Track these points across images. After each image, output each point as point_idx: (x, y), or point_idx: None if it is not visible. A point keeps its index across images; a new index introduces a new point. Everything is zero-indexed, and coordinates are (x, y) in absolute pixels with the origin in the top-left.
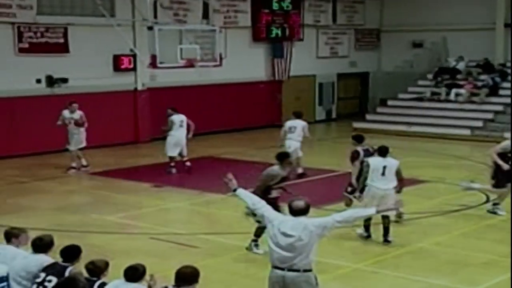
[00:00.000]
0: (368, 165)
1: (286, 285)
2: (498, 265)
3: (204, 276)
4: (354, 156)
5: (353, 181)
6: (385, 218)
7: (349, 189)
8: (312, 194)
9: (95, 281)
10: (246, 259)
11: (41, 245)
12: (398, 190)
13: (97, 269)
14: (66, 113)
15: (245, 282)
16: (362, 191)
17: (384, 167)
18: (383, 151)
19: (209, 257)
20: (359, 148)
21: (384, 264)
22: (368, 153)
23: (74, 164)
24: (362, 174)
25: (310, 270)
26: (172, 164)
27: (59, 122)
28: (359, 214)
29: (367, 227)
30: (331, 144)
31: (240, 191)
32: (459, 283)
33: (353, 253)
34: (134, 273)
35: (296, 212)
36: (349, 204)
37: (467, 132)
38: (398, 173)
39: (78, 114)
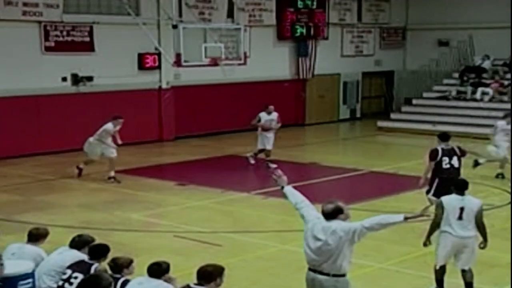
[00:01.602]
0: (441, 205)
1: (315, 286)
2: None
3: (228, 274)
4: (432, 154)
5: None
6: (465, 272)
7: (427, 188)
8: (335, 193)
9: (118, 278)
10: (270, 257)
11: (78, 241)
12: (483, 245)
13: (118, 266)
14: (110, 126)
15: (270, 280)
16: (428, 236)
17: (462, 209)
18: (460, 187)
19: (232, 255)
20: (439, 147)
21: (408, 263)
22: (449, 153)
23: (112, 173)
24: (435, 216)
25: (341, 275)
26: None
27: (103, 139)
28: (386, 220)
29: (440, 282)
30: (355, 143)
31: (287, 189)
32: (484, 283)
33: (377, 252)
34: (157, 269)
35: (327, 215)
36: (432, 203)
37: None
38: (478, 217)
39: (119, 127)
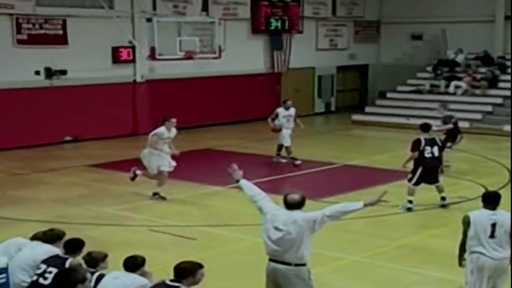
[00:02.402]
0: (467, 222)
1: (277, 277)
2: None
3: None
4: (415, 144)
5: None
6: None
7: (409, 176)
8: (310, 186)
9: (93, 273)
10: (246, 251)
11: (50, 235)
12: None
13: (94, 260)
14: (162, 130)
15: (246, 274)
16: (461, 256)
17: (493, 225)
18: (491, 200)
19: (208, 249)
20: (422, 137)
21: (383, 256)
22: (431, 142)
23: (158, 189)
24: (463, 234)
25: (302, 265)
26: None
27: (156, 146)
28: (347, 208)
29: None
30: (330, 137)
31: (243, 182)
32: (457, 275)
33: (352, 245)
34: (132, 262)
35: (290, 205)
36: (411, 193)
37: (466, 124)
38: None
39: (174, 132)
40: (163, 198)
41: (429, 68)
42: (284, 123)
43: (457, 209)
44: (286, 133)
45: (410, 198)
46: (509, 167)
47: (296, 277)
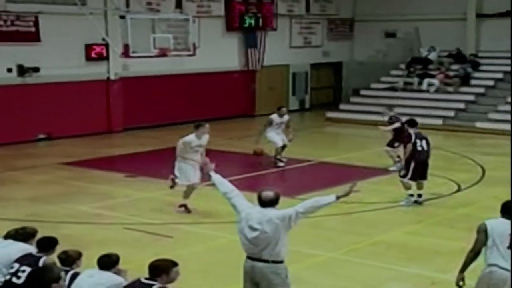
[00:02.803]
0: (484, 230)
1: (254, 274)
2: None
3: (179, 266)
4: (406, 139)
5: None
6: None
7: (402, 172)
8: (285, 183)
9: (68, 271)
10: (221, 248)
11: (23, 234)
12: None
13: (69, 258)
14: (191, 138)
15: (221, 271)
16: (467, 265)
17: None
18: (508, 208)
19: (183, 246)
20: (412, 131)
21: (358, 253)
22: (421, 136)
23: (186, 200)
24: (475, 242)
25: (280, 262)
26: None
27: (185, 155)
28: (320, 202)
29: None
30: (305, 134)
31: (215, 177)
32: (432, 271)
33: (328, 242)
34: (107, 261)
35: (264, 203)
36: (409, 187)
37: (439, 121)
38: None
39: (206, 138)
40: (189, 211)
41: (403, 66)
42: (273, 134)
43: (430, 205)
44: (274, 135)
45: (410, 192)
46: (482, 164)
47: (274, 274)
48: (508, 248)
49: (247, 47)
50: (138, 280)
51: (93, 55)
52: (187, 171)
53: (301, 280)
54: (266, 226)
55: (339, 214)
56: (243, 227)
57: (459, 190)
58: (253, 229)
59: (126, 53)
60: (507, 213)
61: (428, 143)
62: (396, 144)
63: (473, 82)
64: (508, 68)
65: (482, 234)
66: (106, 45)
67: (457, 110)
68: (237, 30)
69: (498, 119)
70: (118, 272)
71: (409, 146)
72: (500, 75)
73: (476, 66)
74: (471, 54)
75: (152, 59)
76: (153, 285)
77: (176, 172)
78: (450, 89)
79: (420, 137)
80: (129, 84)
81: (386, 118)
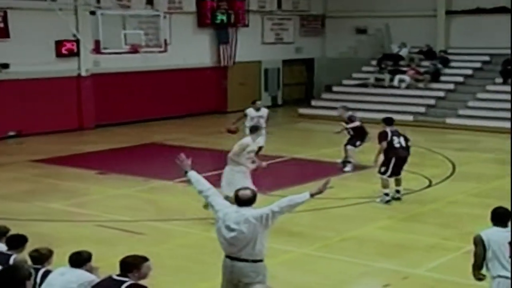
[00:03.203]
0: (481, 242)
1: (234, 273)
2: (441, 248)
3: (152, 262)
4: (382, 136)
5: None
6: None
7: (382, 169)
8: (258, 179)
9: (39, 269)
10: (194, 244)
11: None
12: None
13: (41, 256)
14: (249, 141)
15: (195, 268)
16: (477, 273)
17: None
18: (501, 217)
19: (156, 243)
20: (388, 129)
21: (331, 248)
22: (398, 133)
23: None
24: (475, 256)
25: (259, 261)
26: None
27: (239, 160)
28: (294, 201)
29: None
30: (277, 130)
31: (192, 174)
32: (403, 266)
33: (300, 238)
34: (78, 258)
35: (242, 202)
36: (387, 185)
37: (409, 117)
38: None
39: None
40: None
41: (374, 62)
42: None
43: (402, 201)
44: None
45: (386, 190)
46: (452, 159)
47: (254, 273)
48: (510, 257)
49: (219, 43)
50: (110, 277)
51: (63, 51)
52: (242, 179)
53: (273, 276)
54: (243, 226)
55: (311, 210)
56: (221, 227)
57: (430, 185)
58: (230, 229)
59: (97, 49)
60: (500, 221)
61: (406, 140)
62: (358, 143)
63: (443, 78)
64: (478, 65)
65: (480, 247)
66: (77, 41)
67: (428, 106)
68: (208, 27)
69: (468, 115)
70: (90, 270)
71: (383, 144)
72: (469, 72)
73: (446, 63)
74: (441, 51)
75: (123, 56)
76: (124, 281)
77: (223, 180)
78: (420, 85)
79: (397, 134)
80: (101, 81)
81: (345, 116)
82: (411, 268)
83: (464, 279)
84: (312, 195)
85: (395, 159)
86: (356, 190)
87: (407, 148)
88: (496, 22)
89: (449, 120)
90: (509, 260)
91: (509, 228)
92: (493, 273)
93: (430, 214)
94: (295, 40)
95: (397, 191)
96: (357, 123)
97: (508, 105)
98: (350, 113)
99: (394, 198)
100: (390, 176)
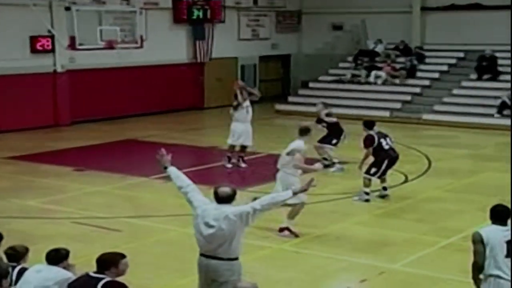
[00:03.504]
0: (480, 240)
1: (209, 272)
2: (418, 243)
3: (129, 259)
4: (368, 140)
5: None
6: None
7: (373, 170)
8: (235, 176)
9: (15, 266)
10: (171, 241)
11: None
12: None
13: (17, 254)
14: (301, 145)
15: (172, 264)
16: (476, 279)
17: (509, 243)
18: (500, 214)
19: (133, 240)
20: (372, 132)
21: (308, 244)
22: (383, 135)
23: (289, 224)
24: (475, 254)
25: (235, 259)
26: (229, 155)
27: (293, 170)
28: (276, 199)
29: None
30: (254, 126)
31: (171, 170)
32: (380, 261)
33: (277, 233)
34: (55, 255)
35: (221, 199)
36: (368, 185)
37: (386, 113)
38: None
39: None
40: (296, 235)
41: (350, 58)
42: (238, 124)
43: (379, 196)
44: (238, 125)
45: (367, 190)
46: (428, 155)
47: (229, 272)
48: (506, 257)
49: (195, 39)
50: (87, 275)
51: (38, 47)
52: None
53: (249, 273)
54: (222, 223)
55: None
56: (199, 224)
57: (406, 181)
58: (209, 226)
59: (72, 46)
60: (499, 219)
61: (391, 140)
62: (335, 141)
63: (419, 74)
64: (453, 61)
65: (479, 245)
66: (52, 37)
67: (404, 102)
68: (185, 22)
69: (444, 110)
70: (67, 267)
71: (370, 150)
72: (445, 68)
73: (421, 59)
74: (416, 47)
75: (99, 52)
76: (102, 278)
77: (280, 186)
78: (396, 81)
79: (383, 136)
80: (76, 77)
81: (323, 112)
82: (388, 264)
83: (439, 273)
84: (295, 193)
85: (387, 161)
86: (333, 186)
87: (394, 149)
88: (471, 18)
89: (425, 116)
90: (505, 260)
91: (508, 227)
92: (485, 272)
93: (406, 210)
94: (271, 36)
95: (384, 188)
96: (334, 120)
97: (482, 101)
98: (327, 110)
99: (382, 196)
100: (379, 176)
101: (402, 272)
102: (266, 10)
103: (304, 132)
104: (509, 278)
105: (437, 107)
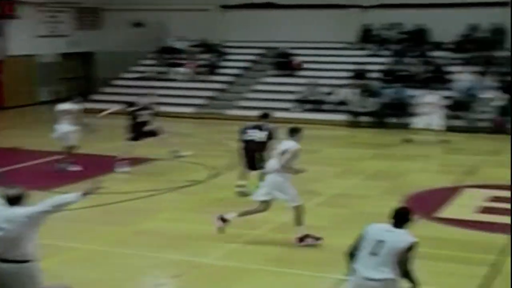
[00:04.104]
0: (361, 233)
1: (2, 277)
2: (226, 236)
3: None
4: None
5: None
6: None
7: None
8: (43, 176)
9: None
10: None
11: None
12: None
13: None
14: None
15: None
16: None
17: (381, 242)
18: (393, 215)
19: None
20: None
21: (118, 243)
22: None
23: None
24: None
25: (28, 261)
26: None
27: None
28: (65, 200)
29: None
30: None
31: None
32: (191, 256)
33: (85, 234)
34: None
35: (11, 200)
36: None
37: (190, 109)
38: (403, 258)
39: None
40: (318, 239)
41: (152, 55)
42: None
43: (187, 193)
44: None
45: (242, 182)
46: (233, 150)
47: (22, 275)
48: (371, 254)
49: None
50: None
51: None
52: (288, 187)
53: (56, 275)
54: (12, 225)
55: (95, 205)
56: None
57: (213, 175)
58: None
59: None
60: (392, 217)
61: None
62: (135, 136)
63: (221, 71)
64: (253, 57)
65: (358, 237)
66: None
67: (208, 98)
68: None
69: (246, 106)
70: None
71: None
72: (246, 64)
73: (223, 56)
74: (217, 44)
75: None
76: None
77: (278, 192)
78: (200, 78)
79: (253, 127)
80: None
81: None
82: (199, 257)
83: (249, 264)
84: (84, 194)
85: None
86: (139, 183)
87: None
88: (268, 16)
89: (229, 112)
90: (369, 257)
91: (391, 230)
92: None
93: (215, 204)
94: (71, 33)
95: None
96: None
97: (283, 96)
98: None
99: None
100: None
101: (215, 265)
102: (63, 6)
103: (294, 132)
104: (368, 276)
105: (239, 103)
